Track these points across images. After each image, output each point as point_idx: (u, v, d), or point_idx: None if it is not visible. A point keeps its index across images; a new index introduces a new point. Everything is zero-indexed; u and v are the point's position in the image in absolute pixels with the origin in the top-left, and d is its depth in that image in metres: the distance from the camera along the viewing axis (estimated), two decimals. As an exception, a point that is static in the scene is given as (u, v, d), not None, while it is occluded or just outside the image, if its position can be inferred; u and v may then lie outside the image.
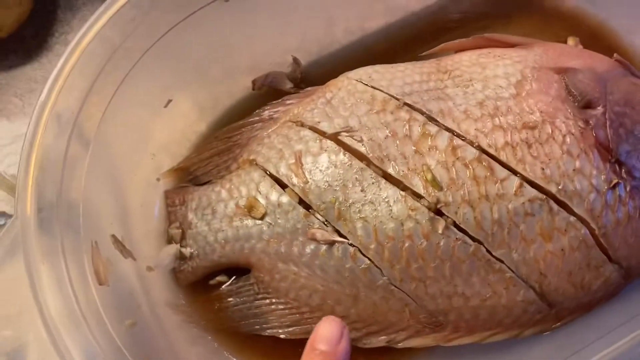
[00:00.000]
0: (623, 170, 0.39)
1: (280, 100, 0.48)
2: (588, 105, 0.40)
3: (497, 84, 0.41)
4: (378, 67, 0.46)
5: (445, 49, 0.46)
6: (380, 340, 0.42)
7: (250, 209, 0.44)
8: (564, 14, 0.53)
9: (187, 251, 0.46)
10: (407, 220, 0.39)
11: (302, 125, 0.44)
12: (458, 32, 0.48)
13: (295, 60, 0.50)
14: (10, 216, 0.50)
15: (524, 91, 0.41)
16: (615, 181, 0.38)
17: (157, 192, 0.48)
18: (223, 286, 0.46)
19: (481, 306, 0.39)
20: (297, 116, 0.45)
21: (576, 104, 0.40)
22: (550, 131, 0.39)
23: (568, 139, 0.39)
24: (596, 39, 0.52)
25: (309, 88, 0.48)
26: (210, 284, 0.47)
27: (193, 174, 0.49)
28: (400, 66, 0.45)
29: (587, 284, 0.39)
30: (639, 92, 0.41)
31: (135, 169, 0.47)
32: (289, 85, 0.51)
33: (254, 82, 0.50)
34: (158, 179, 0.48)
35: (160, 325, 0.44)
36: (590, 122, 0.39)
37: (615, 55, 0.43)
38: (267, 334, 0.44)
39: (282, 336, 0.44)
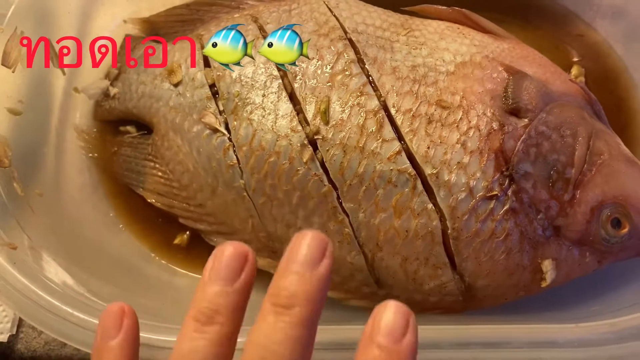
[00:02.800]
0: (511, 188, 0.35)
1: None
2: (516, 112, 0.37)
3: (441, 57, 0.39)
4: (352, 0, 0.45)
5: (423, 10, 0.44)
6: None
7: (169, 73, 0.45)
8: (584, 43, 0.49)
9: (112, 90, 0.48)
10: (283, 138, 0.38)
11: (255, 21, 0.44)
12: (452, 1, 0.45)
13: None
14: None
15: (462, 73, 0.38)
16: (494, 193, 0.35)
17: (120, 32, 0.50)
18: (126, 136, 0.48)
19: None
20: (257, 12, 0.46)
21: (505, 106, 0.37)
22: (459, 118, 0.36)
23: (471, 133, 0.36)
24: (607, 79, 0.48)
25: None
26: (119, 129, 0.49)
27: (155, 30, 0.51)
28: (372, 7, 0.44)
29: (419, 278, 0.36)
30: (580, 126, 0.37)
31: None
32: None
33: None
34: (125, 21, 0.50)
35: (57, 146, 0.48)
36: (507, 128, 0.36)
37: (571, 75, 0.39)
38: (139, 192, 0.46)
39: (149, 200, 0.45)
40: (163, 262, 0.45)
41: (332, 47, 0.40)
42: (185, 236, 0.46)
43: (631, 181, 0.37)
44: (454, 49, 0.39)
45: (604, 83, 0.48)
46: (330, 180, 0.37)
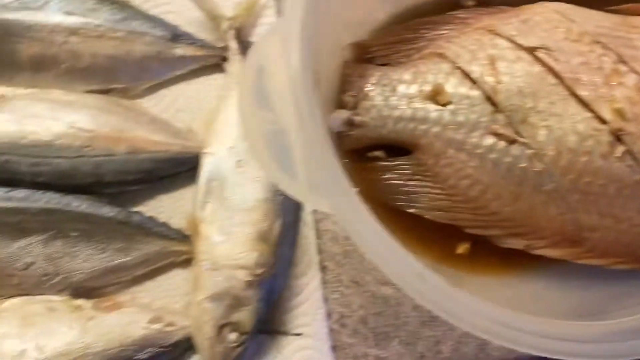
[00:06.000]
0: None
1: (471, 8, 0.51)
2: None
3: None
4: (568, 5, 0.49)
5: (629, 9, 0.50)
6: (519, 243, 0.46)
7: (435, 94, 0.47)
8: None
9: (358, 119, 0.49)
10: (589, 138, 0.42)
11: (497, 34, 0.47)
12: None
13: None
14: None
15: None
16: None
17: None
18: (379, 162, 0.50)
19: (627, 231, 0.43)
20: (492, 26, 0.48)
21: None
22: None
23: None
24: None
25: (499, 6, 0.52)
26: (367, 156, 0.50)
27: (372, 53, 0.52)
28: (590, 11, 0.49)
29: None
30: None
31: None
32: (470, 1, 0.54)
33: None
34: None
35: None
36: None
37: None
38: (412, 211, 0.48)
39: (427, 216, 0.47)
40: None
41: (592, 51, 0.45)
42: (468, 245, 0.48)
43: None
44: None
45: None
46: (642, 168, 0.42)
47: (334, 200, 0.40)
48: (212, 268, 0.53)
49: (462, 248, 0.48)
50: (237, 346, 0.52)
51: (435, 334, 0.58)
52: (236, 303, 0.52)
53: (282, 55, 0.41)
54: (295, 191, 0.42)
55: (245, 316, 0.52)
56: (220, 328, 0.52)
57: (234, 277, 0.52)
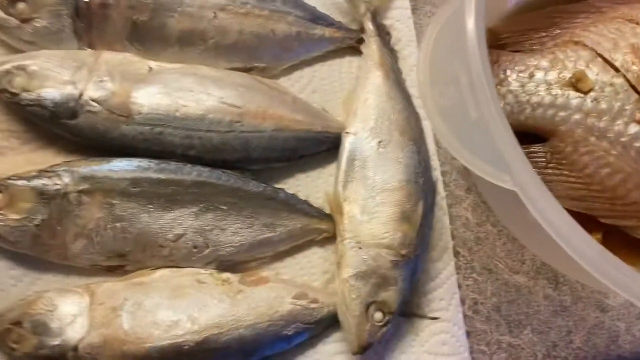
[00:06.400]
0: None
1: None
2: None
3: None
4: None
5: None
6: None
7: (577, 81, 0.47)
8: None
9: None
10: None
11: (637, 24, 0.47)
12: None
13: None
14: None
15: None
16: None
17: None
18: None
19: None
20: (631, 15, 0.48)
21: None
22: None
23: None
24: None
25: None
26: None
27: (503, 40, 0.53)
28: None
29: None
30: None
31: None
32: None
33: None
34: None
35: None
36: None
37: None
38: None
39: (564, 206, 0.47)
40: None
41: None
42: (599, 235, 0.48)
43: None
44: None
45: None
46: None
47: (517, 177, 0.40)
48: (357, 246, 0.53)
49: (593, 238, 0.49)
50: (382, 325, 0.52)
51: (567, 324, 0.58)
52: (382, 282, 0.52)
53: (458, 34, 0.41)
54: (476, 166, 0.42)
55: (391, 296, 0.52)
56: (367, 306, 0.51)
57: (380, 256, 0.52)
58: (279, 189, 0.55)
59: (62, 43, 0.54)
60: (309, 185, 0.57)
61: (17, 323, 0.48)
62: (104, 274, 0.52)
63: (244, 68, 0.58)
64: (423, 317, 0.56)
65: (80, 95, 0.51)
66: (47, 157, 0.54)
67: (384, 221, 0.53)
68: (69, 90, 0.51)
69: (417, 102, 0.59)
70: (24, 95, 0.51)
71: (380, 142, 0.56)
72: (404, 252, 0.53)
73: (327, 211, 0.56)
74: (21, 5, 0.53)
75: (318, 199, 0.57)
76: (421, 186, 0.55)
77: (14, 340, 0.47)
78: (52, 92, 0.51)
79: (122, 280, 0.51)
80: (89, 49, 0.55)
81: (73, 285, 0.51)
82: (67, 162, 0.52)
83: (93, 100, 0.51)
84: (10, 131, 0.54)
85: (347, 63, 0.61)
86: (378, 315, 0.52)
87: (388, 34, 0.62)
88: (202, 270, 0.52)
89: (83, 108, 0.51)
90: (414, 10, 0.65)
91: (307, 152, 0.57)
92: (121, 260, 0.51)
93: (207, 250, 0.52)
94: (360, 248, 0.53)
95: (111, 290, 0.50)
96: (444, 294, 0.57)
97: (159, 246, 0.51)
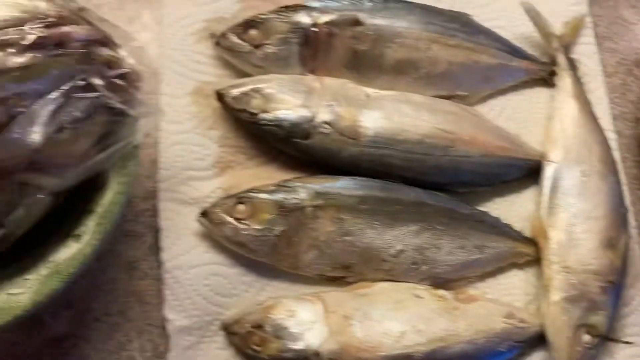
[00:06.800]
0: None
1: None
2: None
3: None
4: None
5: None
6: None
7: None
8: None
9: None
10: None
11: None
12: None
13: None
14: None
15: None
16: None
17: None
18: None
19: None
20: None
21: None
22: None
23: None
24: None
25: None
26: None
27: None
28: None
29: None
30: None
31: None
32: None
33: None
34: None
35: None
36: None
37: None
38: None
39: None
40: None
41: None
42: None
43: None
44: None
45: None
46: None
47: None
48: (564, 271, 0.55)
49: None
50: (590, 348, 0.54)
51: None
52: (592, 306, 0.54)
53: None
54: None
55: (599, 320, 0.54)
56: (576, 329, 0.54)
57: (589, 282, 0.55)
58: (485, 212, 0.58)
59: (288, 68, 0.59)
60: (506, 210, 0.60)
61: (259, 326, 0.52)
62: (325, 283, 0.55)
63: (447, 95, 0.61)
64: (618, 341, 0.57)
65: (313, 117, 0.56)
66: (271, 172, 0.58)
67: (591, 248, 0.56)
68: (304, 112, 0.56)
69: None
70: (262, 115, 0.56)
71: (583, 171, 0.58)
72: (611, 278, 0.55)
73: (527, 235, 0.59)
74: (254, 32, 0.59)
75: (515, 223, 0.60)
76: (623, 215, 0.58)
77: (256, 343, 0.51)
78: (289, 113, 0.56)
79: (346, 291, 0.55)
80: (311, 74, 0.59)
81: (298, 292, 0.55)
82: (297, 178, 0.56)
83: (325, 122, 0.56)
84: (238, 147, 0.59)
85: (536, 93, 0.64)
86: (587, 337, 0.54)
87: (576, 67, 0.65)
88: (418, 286, 0.55)
89: (316, 129, 0.56)
90: (595, 45, 0.68)
91: (508, 178, 0.60)
92: (345, 271, 0.55)
93: (425, 267, 0.55)
94: (568, 272, 0.55)
95: (339, 299, 0.54)
96: (637, 320, 0.59)
97: (381, 260, 0.55)
